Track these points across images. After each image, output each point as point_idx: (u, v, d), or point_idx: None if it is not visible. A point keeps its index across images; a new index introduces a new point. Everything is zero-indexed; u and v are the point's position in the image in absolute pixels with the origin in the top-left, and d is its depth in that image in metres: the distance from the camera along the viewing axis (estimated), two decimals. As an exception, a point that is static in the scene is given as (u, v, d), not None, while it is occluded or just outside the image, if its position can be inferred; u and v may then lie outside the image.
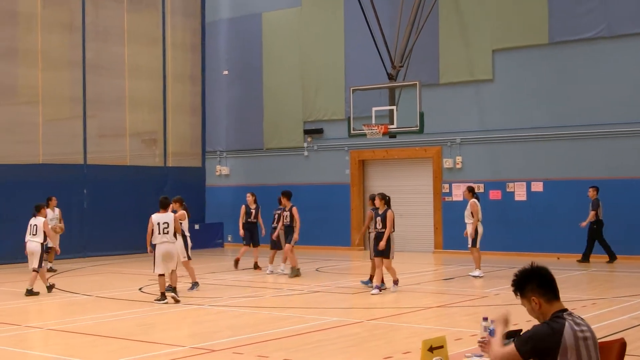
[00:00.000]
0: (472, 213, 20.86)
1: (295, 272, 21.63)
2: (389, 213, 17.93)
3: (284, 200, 22.37)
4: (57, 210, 23.58)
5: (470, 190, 21.53)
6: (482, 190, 27.40)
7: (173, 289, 16.80)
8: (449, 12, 28.58)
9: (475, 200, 21.02)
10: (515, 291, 5.51)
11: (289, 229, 22.14)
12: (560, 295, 5.56)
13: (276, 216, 22.83)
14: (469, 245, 21.08)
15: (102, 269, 24.90)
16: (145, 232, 16.93)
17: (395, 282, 18.34)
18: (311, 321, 14.28)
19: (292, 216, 22.09)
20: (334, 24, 31.33)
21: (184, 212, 18.88)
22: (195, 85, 32.96)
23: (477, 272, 20.70)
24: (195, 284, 18.82)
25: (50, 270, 22.93)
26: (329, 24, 31.47)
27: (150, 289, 18.77)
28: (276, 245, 22.84)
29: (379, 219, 17.99)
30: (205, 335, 13.45)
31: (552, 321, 5.28)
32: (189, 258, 18.82)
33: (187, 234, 18.98)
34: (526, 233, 26.88)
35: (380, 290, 17.79)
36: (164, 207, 16.95)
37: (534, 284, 5.40)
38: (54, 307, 16.97)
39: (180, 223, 17.89)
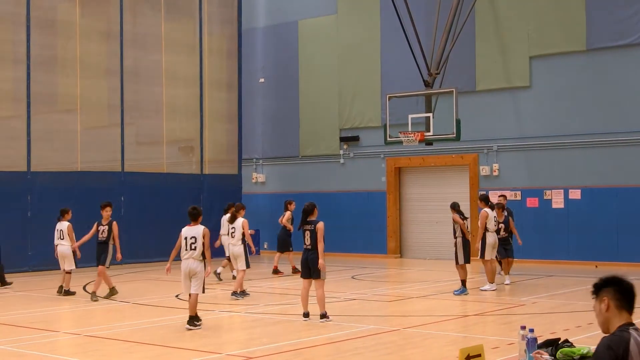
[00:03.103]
0: (479, 223, 20.36)
1: (112, 292, 19.36)
2: (319, 225, 15.05)
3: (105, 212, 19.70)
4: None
5: (483, 199, 21.01)
6: (519, 197, 27.25)
7: (190, 318, 14.58)
8: (486, 19, 28.48)
9: (488, 209, 20.49)
10: (594, 288, 5.49)
11: (104, 246, 19.37)
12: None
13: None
14: (478, 257, 20.61)
15: (139, 275, 25.03)
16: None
17: (323, 315, 15.06)
18: (348, 329, 14.25)
19: (110, 231, 19.41)
20: (370, 31, 31.33)
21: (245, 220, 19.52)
22: (232, 93, 33.07)
23: (486, 286, 19.90)
24: (241, 293, 18.96)
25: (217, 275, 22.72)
26: (365, 31, 31.47)
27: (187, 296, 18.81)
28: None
29: (307, 233, 15.09)
30: (241, 342, 13.48)
31: (618, 332, 5.24)
32: (248, 266, 19.28)
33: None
34: (564, 241, 26.68)
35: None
36: (194, 219, 14.99)
37: (615, 288, 5.40)
38: (92, 314, 17.08)
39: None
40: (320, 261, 14.78)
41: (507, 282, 20.65)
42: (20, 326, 14.99)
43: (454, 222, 19.70)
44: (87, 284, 21.57)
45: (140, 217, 28.88)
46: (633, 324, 5.32)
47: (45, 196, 26.00)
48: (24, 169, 26.27)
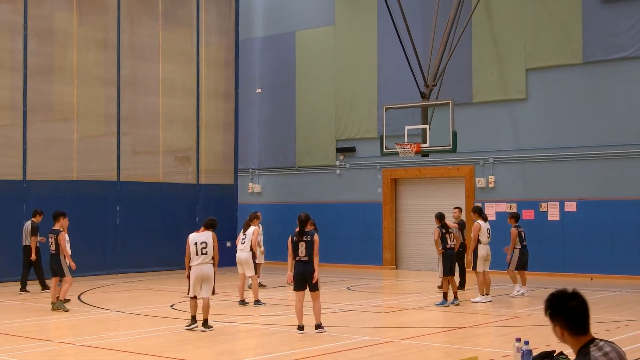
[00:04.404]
0: (472, 235, 20.46)
1: (59, 306, 18.59)
2: (316, 237, 15.10)
3: (61, 221, 19.29)
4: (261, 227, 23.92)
5: (476, 211, 21.10)
6: (514, 209, 27.22)
7: (204, 321, 15.30)
8: (483, 31, 28.53)
9: (481, 221, 20.43)
10: (545, 313, 5.32)
11: (55, 258, 18.82)
12: (594, 316, 5.41)
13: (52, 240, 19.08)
14: (471, 269, 20.83)
15: (135, 285, 24.99)
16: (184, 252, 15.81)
17: (319, 326, 15.03)
18: (343, 340, 14.22)
19: (57, 243, 18.80)
20: (367, 42, 31.37)
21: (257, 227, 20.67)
22: (229, 103, 33.08)
23: (477, 298, 19.94)
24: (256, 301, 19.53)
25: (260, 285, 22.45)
26: (363, 42, 31.51)
27: (182, 305, 18.81)
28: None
29: (303, 244, 14.97)
30: (236, 353, 13.46)
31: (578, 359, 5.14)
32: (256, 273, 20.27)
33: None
34: (559, 253, 26.68)
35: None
36: (207, 227, 15.66)
37: (565, 317, 5.19)
38: (87, 323, 17.03)
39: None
40: (316, 273, 14.78)
41: (477, 299, 20.08)
42: (14, 335, 14.95)
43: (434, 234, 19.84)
44: (81, 294, 21.55)
45: (135, 227, 28.83)
46: (593, 341, 5.16)
47: (40, 205, 25.86)
48: (20, 177, 26.23)
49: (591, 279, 25.38)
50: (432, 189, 30.14)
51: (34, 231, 22.63)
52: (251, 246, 19.94)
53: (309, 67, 33.12)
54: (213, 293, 15.61)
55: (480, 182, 28.45)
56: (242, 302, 19.34)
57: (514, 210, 27.03)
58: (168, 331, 15.43)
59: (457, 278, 20.76)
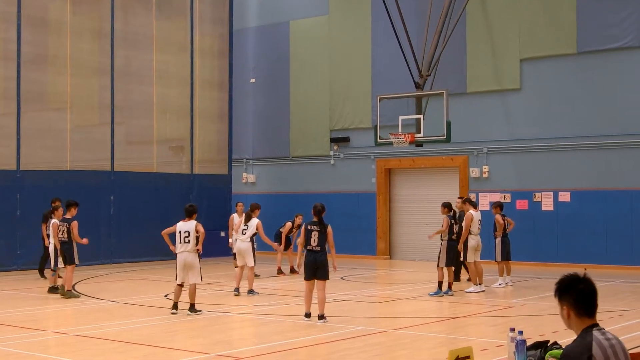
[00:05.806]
0: (464, 225, 20.41)
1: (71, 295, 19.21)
2: (330, 229, 15.38)
3: (72, 211, 19.45)
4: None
5: (467, 201, 21.12)
6: (509, 199, 27.27)
7: (190, 305, 16.02)
8: (477, 21, 28.52)
9: (473, 212, 20.36)
10: (555, 294, 5.44)
11: (67, 246, 19.11)
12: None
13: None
14: (461, 259, 20.72)
15: (129, 275, 24.99)
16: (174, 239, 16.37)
17: (321, 317, 15.03)
18: (337, 330, 14.24)
19: (69, 231, 19.03)
20: (361, 32, 31.34)
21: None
22: (223, 93, 33.04)
23: (470, 288, 19.97)
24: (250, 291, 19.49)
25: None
26: (357, 32, 31.48)
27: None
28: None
29: (316, 234, 15.21)
30: (230, 342, 13.46)
31: (580, 338, 5.22)
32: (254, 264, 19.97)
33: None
34: (553, 243, 26.72)
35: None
36: (189, 215, 16.21)
37: (572, 297, 5.31)
38: (81, 313, 17.04)
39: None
40: (335, 263, 15.28)
41: (470, 289, 20.12)
42: (9, 325, 14.95)
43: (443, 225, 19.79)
44: (75, 284, 21.53)
45: (129, 217, 28.83)
46: (596, 325, 5.27)
47: (34, 195, 25.91)
48: (14, 167, 26.19)
49: (585, 269, 25.37)
50: (426, 179, 30.17)
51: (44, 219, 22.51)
52: (251, 237, 19.80)
53: (303, 57, 33.08)
54: (201, 279, 16.31)
55: (474, 172, 28.47)
56: (236, 290, 19.36)
57: (508, 200, 27.10)
58: (162, 321, 15.43)
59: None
